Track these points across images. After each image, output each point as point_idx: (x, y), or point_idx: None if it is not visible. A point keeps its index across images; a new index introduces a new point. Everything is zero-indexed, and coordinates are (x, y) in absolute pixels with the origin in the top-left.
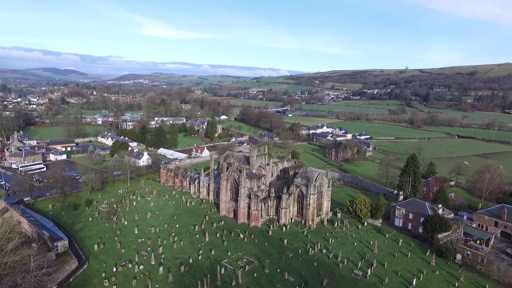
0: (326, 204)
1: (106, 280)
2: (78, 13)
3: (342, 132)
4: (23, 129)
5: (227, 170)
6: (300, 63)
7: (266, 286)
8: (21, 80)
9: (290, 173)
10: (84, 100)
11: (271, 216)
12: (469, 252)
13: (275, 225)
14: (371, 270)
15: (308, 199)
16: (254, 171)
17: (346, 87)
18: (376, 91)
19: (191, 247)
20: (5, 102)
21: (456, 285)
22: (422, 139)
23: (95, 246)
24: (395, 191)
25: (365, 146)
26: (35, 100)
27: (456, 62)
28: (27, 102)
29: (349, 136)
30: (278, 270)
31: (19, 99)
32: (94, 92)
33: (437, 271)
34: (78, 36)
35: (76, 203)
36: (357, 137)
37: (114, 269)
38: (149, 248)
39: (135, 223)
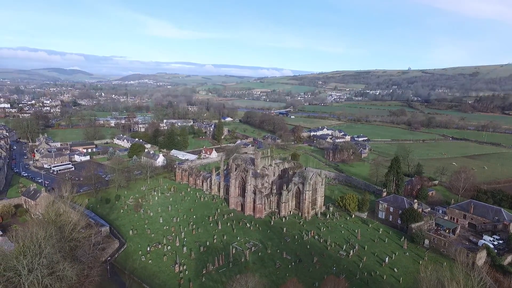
0: (319, 200)
1: (143, 256)
2: (82, 12)
3: (341, 134)
4: (42, 131)
5: (235, 170)
6: (304, 62)
7: (268, 262)
8: (28, 80)
9: (290, 172)
10: (94, 101)
11: (273, 209)
12: (435, 238)
13: (276, 217)
14: (353, 251)
15: (304, 194)
16: (258, 171)
17: (349, 88)
18: (378, 91)
19: (207, 233)
20: (21, 105)
21: (420, 263)
22: (417, 141)
23: (130, 232)
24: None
25: (361, 148)
26: (48, 102)
27: (459, 62)
28: (40, 104)
29: (347, 138)
30: (278, 251)
31: (33, 101)
32: (103, 94)
33: (407, 253)
34: (82, 36)
35: (107, 198)
36: (355, 138)
37: (148, 249)
38: (173, 234)
39: (159, 214)
